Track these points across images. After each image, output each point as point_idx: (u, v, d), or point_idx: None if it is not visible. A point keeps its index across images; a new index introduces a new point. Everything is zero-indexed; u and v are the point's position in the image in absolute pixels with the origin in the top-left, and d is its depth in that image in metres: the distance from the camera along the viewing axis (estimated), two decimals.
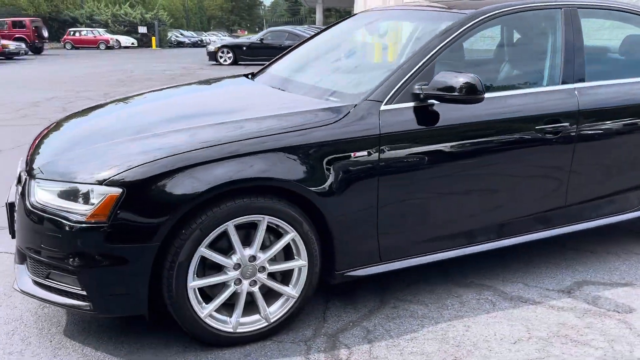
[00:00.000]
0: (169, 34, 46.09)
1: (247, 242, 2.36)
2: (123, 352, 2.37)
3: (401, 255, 2.70)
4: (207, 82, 3.75)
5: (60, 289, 2.28)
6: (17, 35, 29.72)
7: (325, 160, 2.40)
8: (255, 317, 2.46)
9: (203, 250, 2.25)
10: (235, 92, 3.36)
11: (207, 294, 2.39)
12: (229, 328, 2.39)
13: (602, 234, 3.70)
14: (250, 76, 3.61)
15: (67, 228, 2.15)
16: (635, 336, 2.54)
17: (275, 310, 2.48)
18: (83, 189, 2.18)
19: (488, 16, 2.85)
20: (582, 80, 3.01)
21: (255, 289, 2.42)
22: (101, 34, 38.05)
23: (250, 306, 2.45)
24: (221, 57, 20.77)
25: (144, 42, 41.08)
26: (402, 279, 3.08)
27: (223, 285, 2.37)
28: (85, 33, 37.70)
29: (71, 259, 2.17)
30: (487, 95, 2.62)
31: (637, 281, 3.09)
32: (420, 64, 2.63)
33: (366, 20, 3.65)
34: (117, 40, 38.14)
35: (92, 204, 2.15)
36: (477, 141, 2.69)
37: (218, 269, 2.35)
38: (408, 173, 2.57)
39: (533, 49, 3.15)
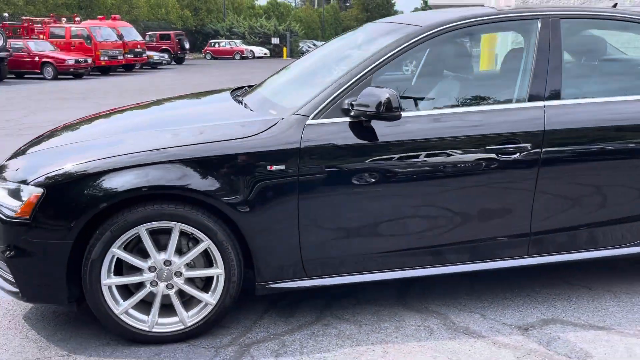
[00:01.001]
0: (300, 45, 47.92)
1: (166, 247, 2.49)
2: (45, 341, 2.62)
3: (329, 272, 2.66)
4: (196, 95, 3.92)
5: (3, 277, 2.58)
6: (163, 47, 32.78)
7: (242, 171, 2.46)
8: (174, 319, 2.58)
9: (115, 251, 2.42)
10: (200, 105, 3.52)
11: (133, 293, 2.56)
12: (144, 327, 2.54)
13: (601, 268, 3.31)
14: (239, 90, 3.68)
15: (2, 222, 2.44)
16: None
17: (193, 315, 2.58)
18: (19, 188, 2.45)
19: (441, 30, 2.71)
20: (556, 97, 2.73)
21: (172, 292, 2.54)
22: (237, 45, 40.63)
23: (171, 309, 2.58)
24: None
25: (276, 53, 43.17)
26: (354, 296, 3.02)
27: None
28: (224, 44, 40.51)
29: (6, 250, 2.46)
30: (432, 112, 2.51)
31: (617, 326, 2.73)
32: (353, 79, 2.59)
33: (355, 34, 3.61)
34: (251, 50, 40.49)
35: (22, 201, 2.41)
36: (410, 160, 2.57)
37: (139, 269, 2.51)
38: (332, 188, 2.54)
39: (497, 63, 2.92)
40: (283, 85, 3.33)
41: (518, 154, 2.64)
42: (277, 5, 62.39)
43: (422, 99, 2.86)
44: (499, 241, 2.76)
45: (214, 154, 2.45)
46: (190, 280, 2.58)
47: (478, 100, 2.82)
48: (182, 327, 2.57)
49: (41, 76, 20.69)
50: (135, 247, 2.50)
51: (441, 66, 3.15)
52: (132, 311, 2.53)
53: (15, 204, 2.43)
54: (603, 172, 2.78)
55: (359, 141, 2.54)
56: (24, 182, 2.44)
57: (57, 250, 2.39)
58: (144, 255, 2.49)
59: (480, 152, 2.62)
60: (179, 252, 2.53)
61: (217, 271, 2.54)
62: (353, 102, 2.52)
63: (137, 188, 2.36)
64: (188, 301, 2.60)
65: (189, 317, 2.57)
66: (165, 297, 2.54)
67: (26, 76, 20.89)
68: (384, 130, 2.55)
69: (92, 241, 2.39)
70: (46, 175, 2.41)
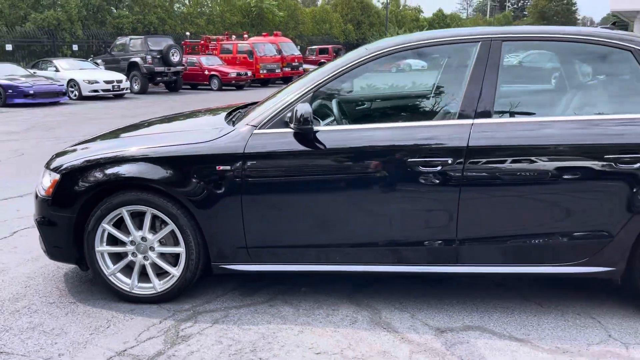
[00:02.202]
0: None
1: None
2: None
3: (272, 260, 3.12)
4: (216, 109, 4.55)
5: (40, 239, 3.47)
6: (321, 60, 34.70)
7: (196, 170, 3.04)
8: (149, 284, 3.25)
9: (104, 226, 3.16)
10: (204, 116, 4.09)
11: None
12: (127, 288, 3.25)
13: (557, 286, 3.29)
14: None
15: (38, 198, 3.33)
16: None
17: (162, 283, 3.23)
18: (50, 174, 3.32)
19: (382, 52, 3.04)
20: (486, 115, 2.89)
21: (147, 262, 3.21)
22: None
23: (148, 276, 3.25)
24: None
25: None
26: (315, 285, 3.42)
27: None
28: None
29: (40, 219, 3.34)
30: (367, 125, 2.89)
31: (537, 340, 2.79)
32: (297, 95, 3.03)
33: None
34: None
35: (49, 183, 3.28)
36: (341, 166, 2.93)
37: (124, 242, 3.23)
38: (270, 187, 3.01)
39: (434, 82, 3.11)
40: (271, 99, 3.85)
41: (440, 167, 2.85)
42: (444, 16, 61.99)
43: (364, 114, 3.19)
44: (425, 246, 2.98)
45: (176, 154, 3.07)
46: (162, 255, 3.23)
47: (410, 116, 3.07)
48: (154, 292, 3.22)
49: (209, 87, 23.45)
50: (123, 224, 3.22)
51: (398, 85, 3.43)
52: (119, 274, 3.26)
53: (46, 185, 3.30)
54: (524, 190, 2.85)
55: (296, 148, 2.97)
56: (53, 169, 3.30)
57: (66, 221, 3.20)
58: (129, 231, 3.20)
59: (404, 163, 2.88)
60: (155, 231, 3.19)
61: (180, 250, 3.15)
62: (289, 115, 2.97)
63: (118, 179, 3.08)
64: (162, 273, 3.26)
65: (159, 285, 3.22)
66: (146, 267, 3.22)
67: (199, 87, 23.84)
68: (322, 139, 2.95)
69: (89, 217, 3.16)
70: (63, 166, 3.24)
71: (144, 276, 3.27)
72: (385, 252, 3.03)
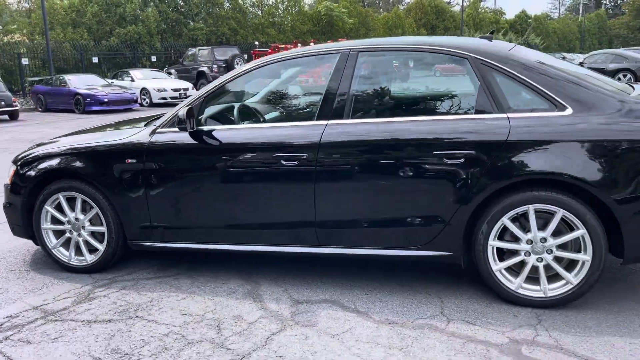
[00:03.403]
0: None
1: (72, 208, 3.87)
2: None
3: (174, 239, 3.70)
4: None
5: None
6: None
7: (110, 161, 3.70)
8: (83, 257, 3.93)
9: (47, 208, 3.88)
10: (133, 123, 4.72)
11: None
12: (66, 260, 3.95)
13: (430, 268, 3.61)
14: None
15: (5, 186, 4.14)
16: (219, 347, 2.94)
17: (93, 256, 3.89)
18: (11, 165, 4.11)
19: (264, 63, 3.55)
20: (339, 117, 3.31)
21: (80, 239, 3.90)
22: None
23: (94, 251, 3.95)
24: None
25: None
26: (227, 264, 3.96)
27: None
28: None
29: (5, 204, 4.14)
30: (239, 125, 3.45)
31: (375, 313, 3.17)
32: (187, 102, 3.61)
33: None
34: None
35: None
36: (218, 159, 3.48)
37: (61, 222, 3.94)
38: (165, 175, 3.60)
39: (301, 89, 3.56)
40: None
41: (297, 161, 3.31)
42: (526, 17, 59.88)
43: (245, 115, 3.71)
44: (292, 229, 3.44)
45: (95, 149, 3.75)
46: (92, 234, 3.90)
47: (282, 118, 3.55)
48: (86, 263, 3.90)
49: None
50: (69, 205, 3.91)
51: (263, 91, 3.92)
52: (60, 248, 3.97)
53: (9, 175, 4.10)
54: (370, 180, 3.23)
55: (181, 143, 3.55)
56: (13, 162, 4.08)
57: (19, 204, 3.96)
58: (64, 213, 3.91)
59: (267, 158, 3.37)
60: (84, 211, 3.88)
61: (103, 229, 3.81)
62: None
63: (53, 169, 3.80)
64: (93, 249, 3.92)
65: (90, 258, 3.89)
66: (86, 242, 3.90)
67: None
68: (204, 137, 3.51)
69: (36, 201, 3.91)
70: (18, 160, 4.02)
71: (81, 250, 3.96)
72: (261, 234, 3.52)
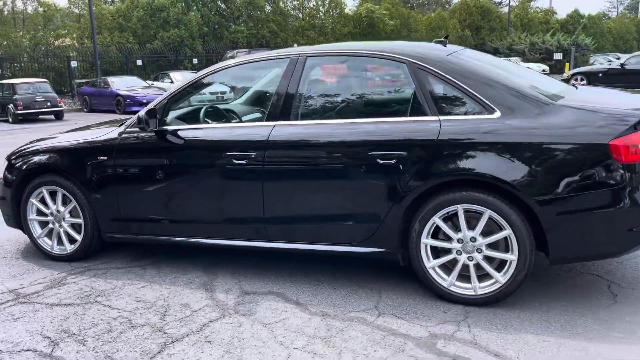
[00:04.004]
0: (592, 59, 43.86)
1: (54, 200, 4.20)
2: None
3: (142, 232, 3.97)
4: None
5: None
6: None
7: (85, 159, 4.00)
8: (64, 247, 4.25)
9: (32, 200, 4.23)
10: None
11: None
12: (49, 248, 4.28)
13: (382, 266, 3.73)
14: None
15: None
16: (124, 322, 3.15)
17: (72, 246, 4.20)
18: (4, 161, 4.48)
19: (218, 68, 3.77)
20: (287, 118, 3.49)
21: (61, 230, 4.22)
22: (514, 62, 39.76)
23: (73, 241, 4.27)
24: (573, 84, 19.73)
25: (557, 69, 40.69)
26: (205, 255, 4.20)
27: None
28: None
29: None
30: (197, 125, 3.71)
31: (313, 305, 3.32)
32: (157, 101, 3.87)
33: None
34: (527, 67, 39.13)
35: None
36: (176, 157, 3.72)
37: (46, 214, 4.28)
38: (133, 172, 3.87)
39: (253, 93, 3.74)
40: None
41: (246, 160, 3.51)
42: (578, 17, 58.00)
43: (206, 115, 3.93)
44: (245, 225, 3.63)
45: (72, 148, 4.06)
46: (72, 225, 4.21)
47: (232, 119, 3.75)
48: (66, 252, 4.21)
49: None
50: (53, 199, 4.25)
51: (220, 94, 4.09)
52: (45, 238, 4.30)
53: (1, 170, 4.47)
54: (313, 179, 3.39)
55: (148, 142, 3.81)
56: (5, 158, 4.46)
57: (9, 196, 4.32)
58: (47, 206, 4.24)
59: (220, 156, 3.58)
60: (64, 204, 4.19)
61: (80, 221, 4.12)
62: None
63: (38, 165, 4.14)
64: (73, 240, 4.23)
65: (70, 247, 4.21)
66: (66, 233, 4.22)
67: None
68: (171, 135, 3.76)
69: (23, 194, 4.26)
70: (9, 156, 4.38)
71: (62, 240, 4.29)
72: (216, 229, 3.73)
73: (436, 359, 2.71)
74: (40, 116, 18.12)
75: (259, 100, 4.14)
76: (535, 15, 55.75)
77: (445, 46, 3.70)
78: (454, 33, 44.07)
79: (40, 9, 28.26)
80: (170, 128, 3.78)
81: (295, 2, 35.70)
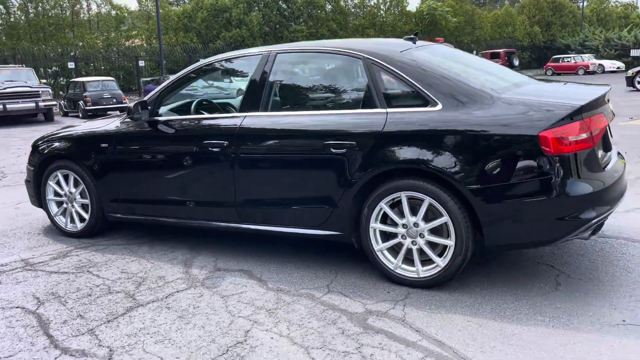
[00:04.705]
0: None
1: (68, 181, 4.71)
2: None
3: (135, 214, 4.40)
4: None
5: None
6: None
7: (90, 146, 4.48)
8: (75, 224, 4.77)
9: (50, 183, 4.77)
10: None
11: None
12: (63, 226, 4.81)
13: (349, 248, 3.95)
14: None
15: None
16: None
17: (82, 224, 4.71)
18: (31, 147, 5.06)
19: (203, 64, 4.13)
20: (256, 109, 3.79)
21: (73, 210, 4.74)
22: (584, 59, 38.12)
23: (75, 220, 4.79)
24: (639, 82, 18.80)
25: (634, 65, 38.62)
26: (195, 236, 4.60)
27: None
28: (568, 59, 38.59)
29: (26, 178, 5.10)
30: (180, 117, 4.08)
31: (276, 282, 3.61)
32: (151, 94, 4.28)
33: None
34: (599, 65, 37.42)
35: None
36: (163, 144, 4.12)
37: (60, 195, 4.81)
38: (127, 158, 4.30)
39: (229, 87, 4.04)
40: None
41: (219, 148, 3.85)
42: None
43: (189, 107, 4.30)
44: (221, 207, 3.97)
45: (80, 136, 4.56)
46: (82, 205, 4.71)
47: (212, 111, 4.09)
48: (77, 230, 4.72)
49: None
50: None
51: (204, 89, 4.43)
52: (59, 216, 4.83)
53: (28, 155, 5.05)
54: (277, 164, 3.68)
55: (136, 130, 4.23)
56: (31, 145, 5.03)
57: (32, 178, 4.89)
58: (62, 188, 4.76)
59: (199, 144, 3.94)
60: (76, 186, 4.70)
61: (87, 202, 4.61)
62: None
63: (55, 151, 4.67)
64: (83, 219, 4.73)
65: (80, 225, 4.71)
66: (77, 212, 4.74)
67: None
68: (159, 125, 4.16)
69: (43, 177, 4.81)
70: (34, 142, 4.95)
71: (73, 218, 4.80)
72: (196, 210, 4.10)
73: (361, 332, 2.93)
74: (108, 112, 19.37)
75: (239, 93, 4.48)
76: (613, 9, 53.04)
77: (414, 43, 3.88)
78: (522, 29, 42.74)
79: (113, 12, 30.09)
80: (159, 118, 4.18)
81: (356, 1, 35.88)
